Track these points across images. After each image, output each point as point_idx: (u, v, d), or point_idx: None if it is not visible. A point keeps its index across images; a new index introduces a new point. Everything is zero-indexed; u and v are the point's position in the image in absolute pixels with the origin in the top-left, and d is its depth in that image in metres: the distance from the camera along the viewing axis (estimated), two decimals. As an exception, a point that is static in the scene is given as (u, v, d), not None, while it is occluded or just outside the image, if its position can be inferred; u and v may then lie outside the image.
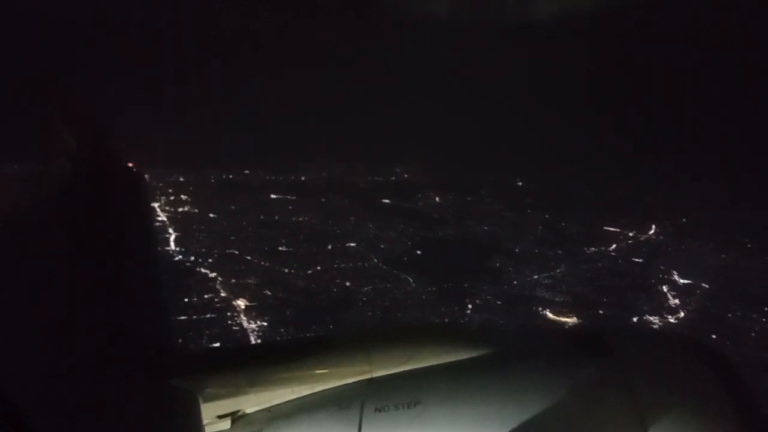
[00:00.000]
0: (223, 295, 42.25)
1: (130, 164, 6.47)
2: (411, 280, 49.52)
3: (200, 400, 3.10)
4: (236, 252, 51.71)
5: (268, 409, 3.24)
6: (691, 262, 60.82)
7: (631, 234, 72.34)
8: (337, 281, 47.80)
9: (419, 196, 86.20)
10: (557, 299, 47.79)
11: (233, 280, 44.80)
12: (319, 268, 50.21)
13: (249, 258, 50.67)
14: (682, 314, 46.88)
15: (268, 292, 43.39)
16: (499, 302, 46.10)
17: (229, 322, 38.31)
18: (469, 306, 45.05)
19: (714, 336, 41.63)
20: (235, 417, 3.25)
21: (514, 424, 2.63)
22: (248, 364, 3.37)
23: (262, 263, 49.89)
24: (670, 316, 46.08)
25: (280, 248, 54.34)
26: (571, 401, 2.65)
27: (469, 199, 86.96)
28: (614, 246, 66.54)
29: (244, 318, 39.13)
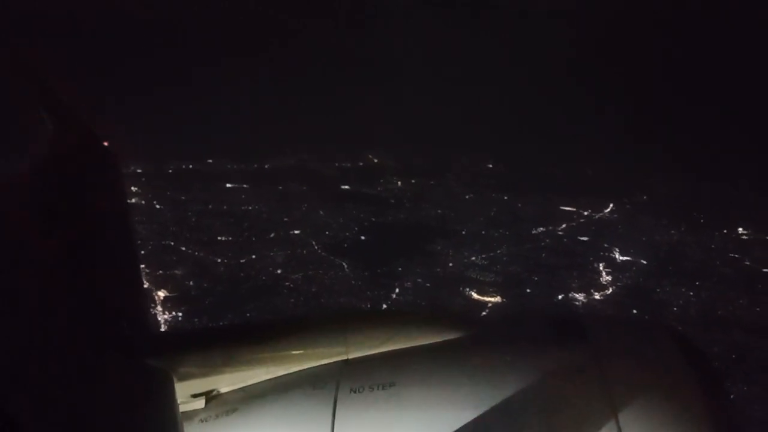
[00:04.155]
0: (145, 286, 42.24)
1: (106, 143, 6.45)
2: (345, 266, 49.61)
3: (174, 379, 3.06)
4: (172, 243, 51.65)
5: (242, 389, 3.22)
6: (636, 239, 61.11)
7: (585, 213, 72.41)
8: (269, 269, 47.87)
9: (381, 181, 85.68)
10: (487, 279, 48.02)
11: (159, 272, 44.82)
12: (253, 256, 50.22)
13: (183, 249, 50.66)
14: (609, 291, 47.22)
15: (191, 283, 43.49)
16: (427, 284, 46.29)
17: (144, 312, 38.29)
18: (396, 289, 45.24)
19: (635, 311, 42.04)
20: (210, 396, 3.24)
21: (488, 405, 2.65)
22: (223, 343, 3.35)
23: (196, 253, 49.90)
24: (596, 293, 46.42)
25: (219, 238, 54.33)
26: (544, 384, 2.67)
27: (432, 182, 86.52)
28: (564, 225, 66.64)
29: (161, 308, 39.25)
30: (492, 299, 44.39)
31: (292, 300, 42.32)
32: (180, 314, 38.90)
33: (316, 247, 54.50)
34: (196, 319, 37.94)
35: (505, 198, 77.48)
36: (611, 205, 76.17)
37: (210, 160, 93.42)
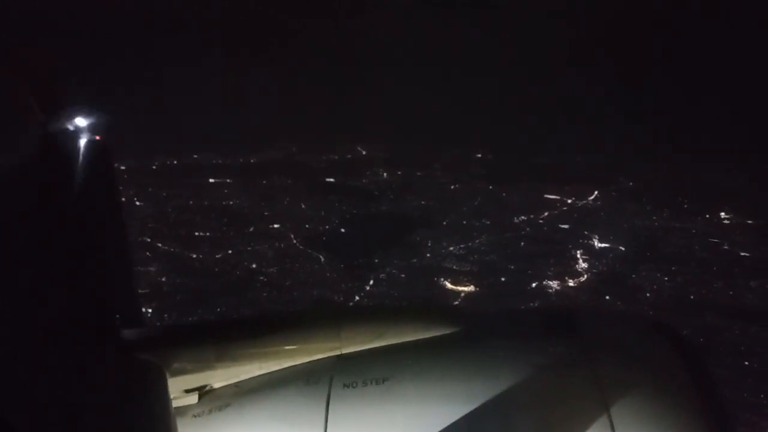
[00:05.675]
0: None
1: (98, 137, 6.59)
2: (322, 258, 49.57)
3: (167, 375, 3.06)
4: (148, 239, 51.49)
5: (235, 384, 3.22)
6: (617, 226, 61.02)
7: (569, 201, 72.13)
8: (244, 264, 47.80)
9: (367, 173, 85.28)
10: (463, 269, 48.00)
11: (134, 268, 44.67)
12: (230, 251, 50.14)
13: (159, 245, 50.52)
14: (584, 278, 47.22)
15: (164, 279, 43.41)
16: (402, 275, 46.26)
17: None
18: (371, 281, 45.23)
19: (608, 297, 42.07)
20: (203, 392, 3.24)
21: (481, 400, 2.66)
22: (217, 338, 3.33)
23: (172, 249, 49.77)
24: (570, 280, 46.42)
25: (197, 233, 54.18)
26: (536, 379, 2.70)
27: (419, 173, 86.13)
28: (546, 213, 66.40)
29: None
30: (466, 288, 44.42)
31: (265, 294, 42.34)
32: (150, 310, 38.87)
33: (294, 241, 54.39)
34: (165, 315, 37.94)
35: (491, 188, 77.16)
36: (596, 193, 75.80)
37: (195, 156, 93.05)
